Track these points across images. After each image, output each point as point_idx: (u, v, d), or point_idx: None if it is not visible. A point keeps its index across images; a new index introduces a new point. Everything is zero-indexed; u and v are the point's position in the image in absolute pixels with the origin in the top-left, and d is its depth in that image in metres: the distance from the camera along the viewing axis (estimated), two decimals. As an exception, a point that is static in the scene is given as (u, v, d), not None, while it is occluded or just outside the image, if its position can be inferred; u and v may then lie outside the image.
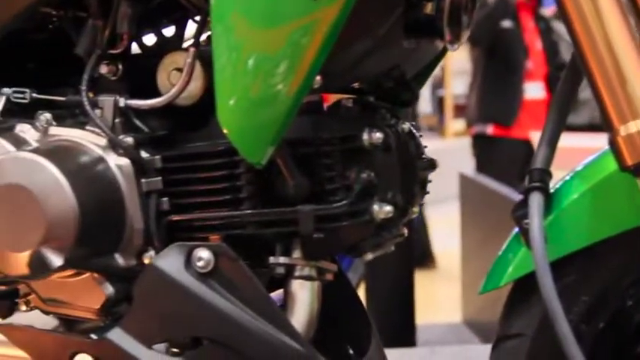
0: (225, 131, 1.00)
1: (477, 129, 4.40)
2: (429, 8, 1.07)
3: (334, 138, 1.05)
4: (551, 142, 1.05)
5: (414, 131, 1.17)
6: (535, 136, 4.06)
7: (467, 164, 4.51)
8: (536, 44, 4.41)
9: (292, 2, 0.96)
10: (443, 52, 1.18)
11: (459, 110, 7.82)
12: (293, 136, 1.04)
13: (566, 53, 4.43)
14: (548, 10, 4.75)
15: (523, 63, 4.36)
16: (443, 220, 4.32)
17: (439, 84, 8.98)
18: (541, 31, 4.42)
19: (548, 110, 1.07)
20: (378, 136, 1.05)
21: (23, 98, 1.14)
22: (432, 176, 1.19)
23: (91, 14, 1.12)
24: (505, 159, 4.25)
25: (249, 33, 0.98)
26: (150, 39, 1.19)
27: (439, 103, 9.17)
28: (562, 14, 0.97)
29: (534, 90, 4.37)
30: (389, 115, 1.14)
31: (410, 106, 1.21)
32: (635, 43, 0.94)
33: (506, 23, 4.34)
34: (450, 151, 5.80)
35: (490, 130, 4.33)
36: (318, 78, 1.01)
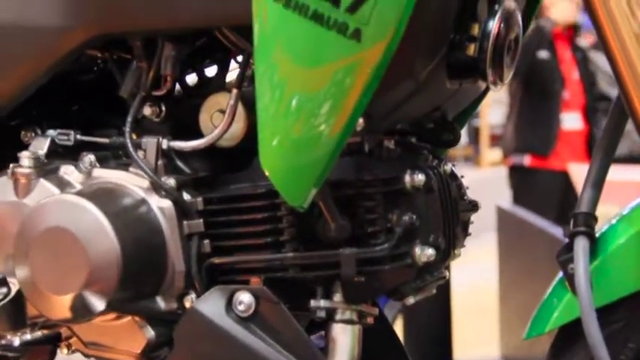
0: (266, 173, 1.00)
1: (514, 160, 4.37)
2: (471, 50, 1.06)
3: (376, 180, 1.05)
4: (597, 185, 1.04)
5: (456, 172, 1.16)
6: (573, 168, 4.02)
7: (503, 194, 4.48)
8: (572, 74, 4.39)
9: (336, 43, 0.96)
10: (485, 91, 1.18)
11: (495, 140, 7.79)
12: (335, 178, 1.03)
13: (603, 84, 4.39)
14: (585, 38, 4.72)
15: (560, 93, 4.33)
16: (480, 253, 4.29)
17: (475, 114, 8.96)
18: (578, 62, 4.40)
19: (593, 152, 1.05)
20: (420, 178, 1.04)
21: (68, 140, 1.15)
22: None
23: (135, 56, 1.13)
24: (542, 190, 4.22)
25: (292, 71, 0.97)
26: (192, 79, 1.20)
27: (475, 133, 9.14)
28: (607, 53, 0.95)
29: (572, 121, 4.34)
30: (431, 157, 1.13)
31: (452, 146, 1.20)
32: None
33: (543, 54, 4.32)
34: (486, 182, 5.77)
35: (527, 160, 4.30)
36: (360, 121, 1.01)
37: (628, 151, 4.24)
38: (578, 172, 3.89)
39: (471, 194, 1.19)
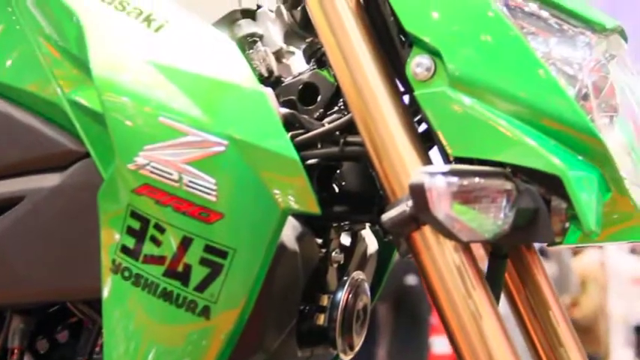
0: None
1: (388, 385, 4.37)
2: (321, 320, 1.09)
3: None
4: None
5: None
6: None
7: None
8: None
9: (186, 316, 0.96)
10: (337, 356, 1.20)
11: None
12: None
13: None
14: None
15: (428, 318, 4.42)
16: None
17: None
18: (445, 286, 4.51)
19: None
20: None
21: None
22: None
23: (-20, 330, 1.11)
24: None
25: (148, 322, 0.96)
26: (43, 346, 1.17)
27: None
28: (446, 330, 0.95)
29: (441, 345, 4.40)
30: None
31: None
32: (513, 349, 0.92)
33: (410, 279, 4.43)
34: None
35: (401, 384, 4.31)
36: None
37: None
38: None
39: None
